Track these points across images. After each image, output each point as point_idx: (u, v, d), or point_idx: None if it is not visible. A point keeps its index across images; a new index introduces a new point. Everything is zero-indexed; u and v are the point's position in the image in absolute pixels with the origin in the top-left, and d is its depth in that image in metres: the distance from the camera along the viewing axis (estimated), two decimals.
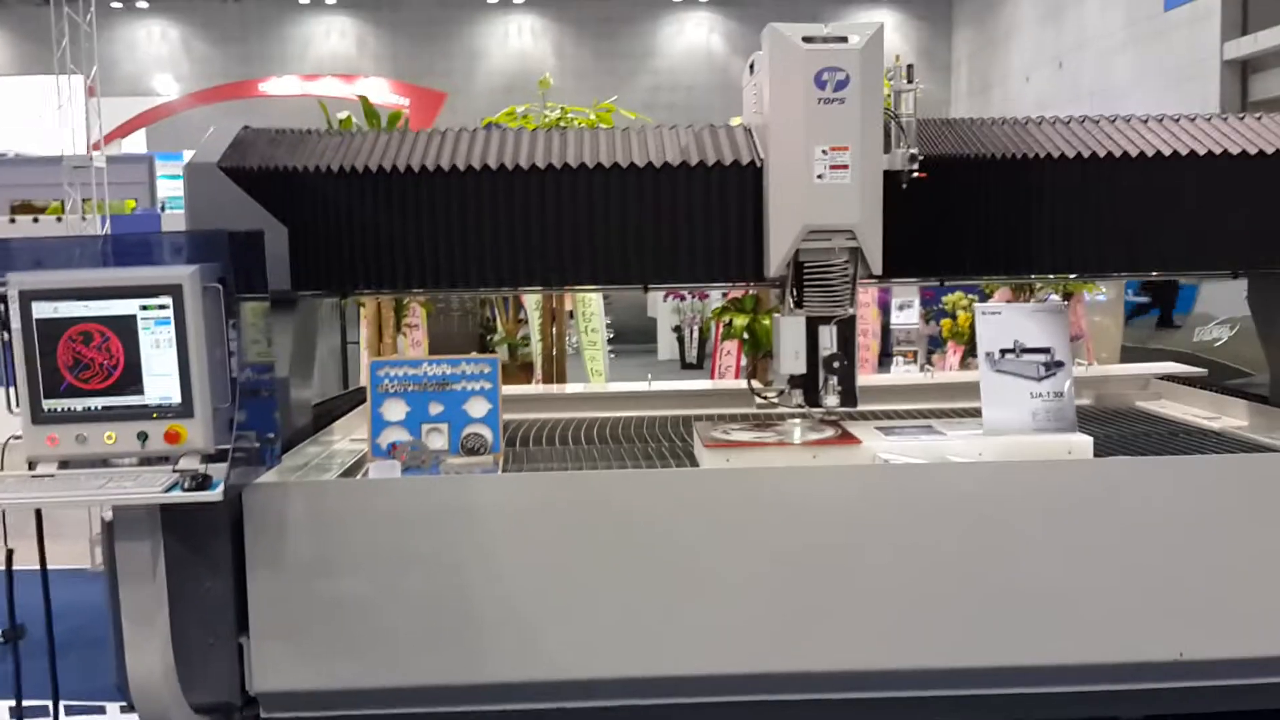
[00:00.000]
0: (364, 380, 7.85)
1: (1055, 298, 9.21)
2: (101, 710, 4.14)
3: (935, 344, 10.77)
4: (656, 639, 3.56)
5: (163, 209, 15.87)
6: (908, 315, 9.88)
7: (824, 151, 3.71)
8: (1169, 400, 5.10)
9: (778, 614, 3.56)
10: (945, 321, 9.94)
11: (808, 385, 3.96)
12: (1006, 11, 29.29)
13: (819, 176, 3.72)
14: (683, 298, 14.19)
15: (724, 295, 13.72)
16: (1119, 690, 3.70)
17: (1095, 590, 3.59)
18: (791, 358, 3.89)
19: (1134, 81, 23.03)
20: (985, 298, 10.46)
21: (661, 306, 15.06)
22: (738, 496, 3.59)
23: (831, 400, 3.92)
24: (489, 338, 10.20)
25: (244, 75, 29.04)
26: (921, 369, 9.78)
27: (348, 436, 4.57)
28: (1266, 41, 18.53)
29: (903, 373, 9.31)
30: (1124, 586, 3.60)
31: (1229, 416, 4.59)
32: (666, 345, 15.17)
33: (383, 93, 23.57)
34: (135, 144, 23.84)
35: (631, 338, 15.18)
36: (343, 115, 6.97)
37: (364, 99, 7.28)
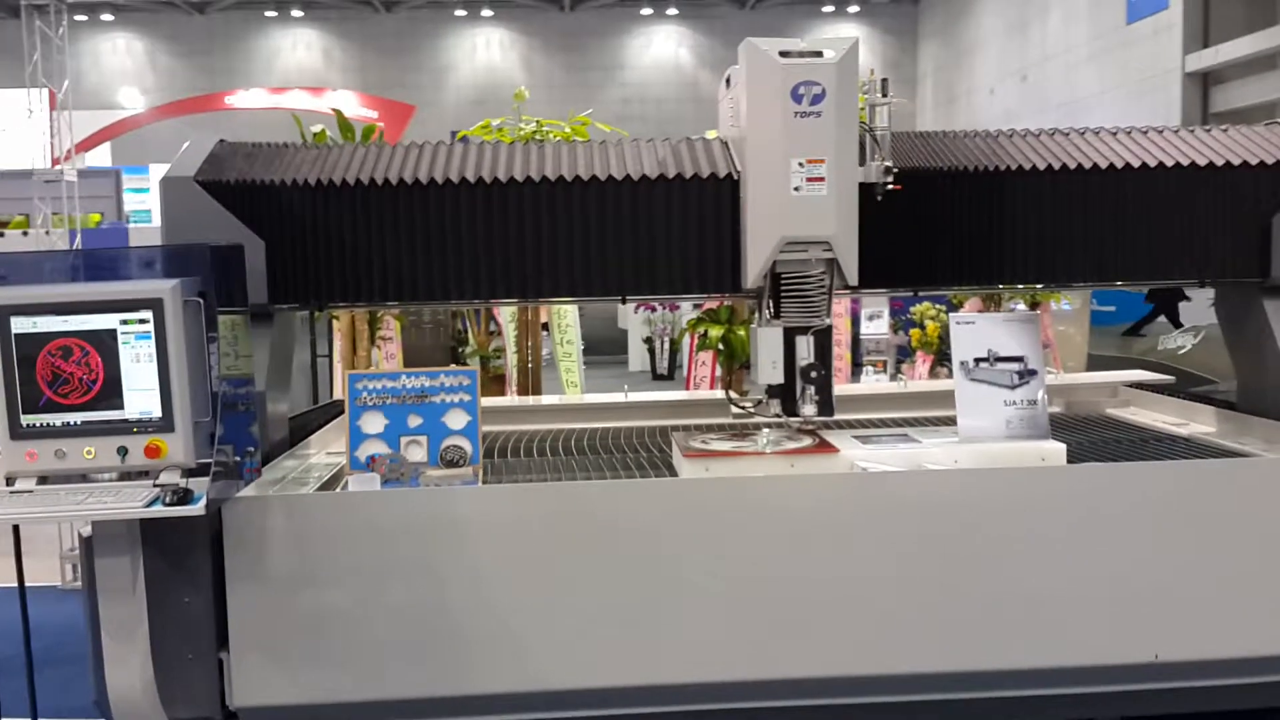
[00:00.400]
0: (339, 393, 7.85)
1: (1022, 307, 9.31)
2: None
3: (904, 354, 10.87)
4: (639, 648, 3.58)
5: (127, 223, 15.75)
6: (877, 325, 9.96)
7: (800, 164, 3.76)
8: (1138, 407, 5.18)
9: (758, 621, 3.59)
10: (914, 332, 10.02)
11: (785, 395, 4.01)
12: (972, 25, 29.61)
13: (796, 189, 3.77)
14: (654, 309, 14.22)
15: (695, 306, 13.82)
16: (1095, 692, 3.75)
17: (1070, 594, 3.64)
18: (769, 368, 3.93)
19: (1098, 93, 23.34)
20: (954, 308, 10.57)
21: (632, 318, 15.09)
22: (718, 505, 3.62)
23: (809, 410, 3.96)
24: (460, 350, 10.18)
25: (209, 88, 28.90)
26: (892, 378, 9.85)
27: (324, 450, 4.56)
28: (1227, 54, 18.85)
29: (873, 382, 9.37)
30: (1099, 590, 3.65)
31: (1197, 423, 4.67)
32: (637, 356, 15.20)
33: (351, 106, 23.49)
34: (100, 157, 23.64)
35: (602, 349, 15.19)
36: (317, 129, 6.96)
37: (338, 112, 7.27)
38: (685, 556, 3.58)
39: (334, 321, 7.63)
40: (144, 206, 19.88)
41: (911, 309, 10.87)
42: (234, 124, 25.68)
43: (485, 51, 33.47)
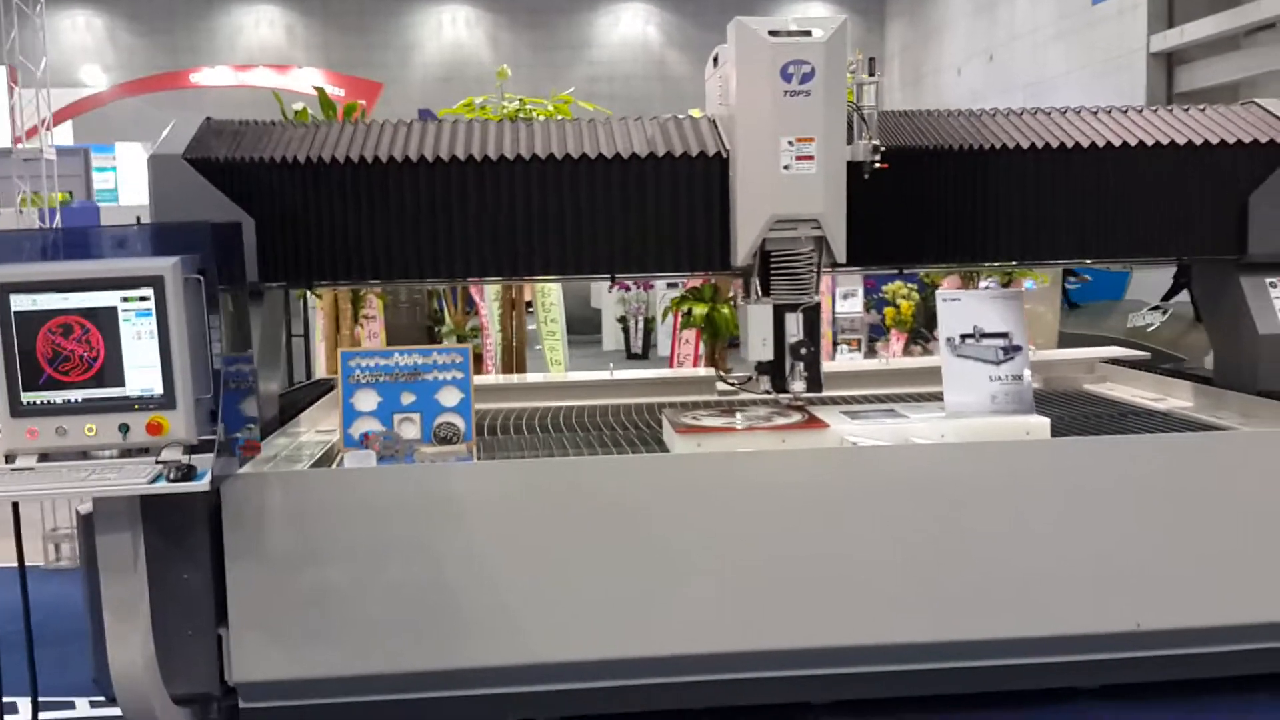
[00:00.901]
0: (320, 373, 7.84)
1: (994, 284, 9.40)
2: (70, 705, 4.10)
3: (877, 332, 10.94)
4: (633, 621, 3.63)
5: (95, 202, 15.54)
6: (852, 304, 10.02)
7: (790, 143, 3.80)
8: (1114, 383, 5.28)
9: (750, 594, 3.65)
10: (889, 310, 10.10)
11: (775, 371, 4.06)
12: (938, 5, 29.69)
13: (785, 167, 3.81)
14: (628, 288, 14.24)
15: (669, 285, 13.85)
16: (1078, 661, 3.85)
17: (1054, 565, 3.73)
18: (759, 345, 3.98)
19: (1064, 73, 23.50)
20: (925, 287, 10.66)
21: (606, 297, 15.09)
22: (711, 480, 3.67)
23: (798, 386, 4.02)
24: (436, 330, 10.17)
25: (171, 66, 28.46)
26: (866, 356, 9.93)
27: (314, 428, 4.57)
28: (1192, 34, 19.02)
29: (847, 360, 9.43)
30: (1082, 561, 3.74)
31: (1174, 397, 4.77)
32: (611, 335, 15.20)
33: (318, 83, 23.25)
34: (62, 136, 23.28)
35: (576, 328, 15.16)
36: (298, 107, 6.92)
37: (320, 90, 7.23)
38: (679, 530, 3.63)
39: (314, 300, 7.60)
40: (109, 185, 19.61)
41: (883, 288, 10.94)
42: (200, 102, 25.35)
43: (451, 29, 33.17)
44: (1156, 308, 10.03)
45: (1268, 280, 4.31)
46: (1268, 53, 18.20)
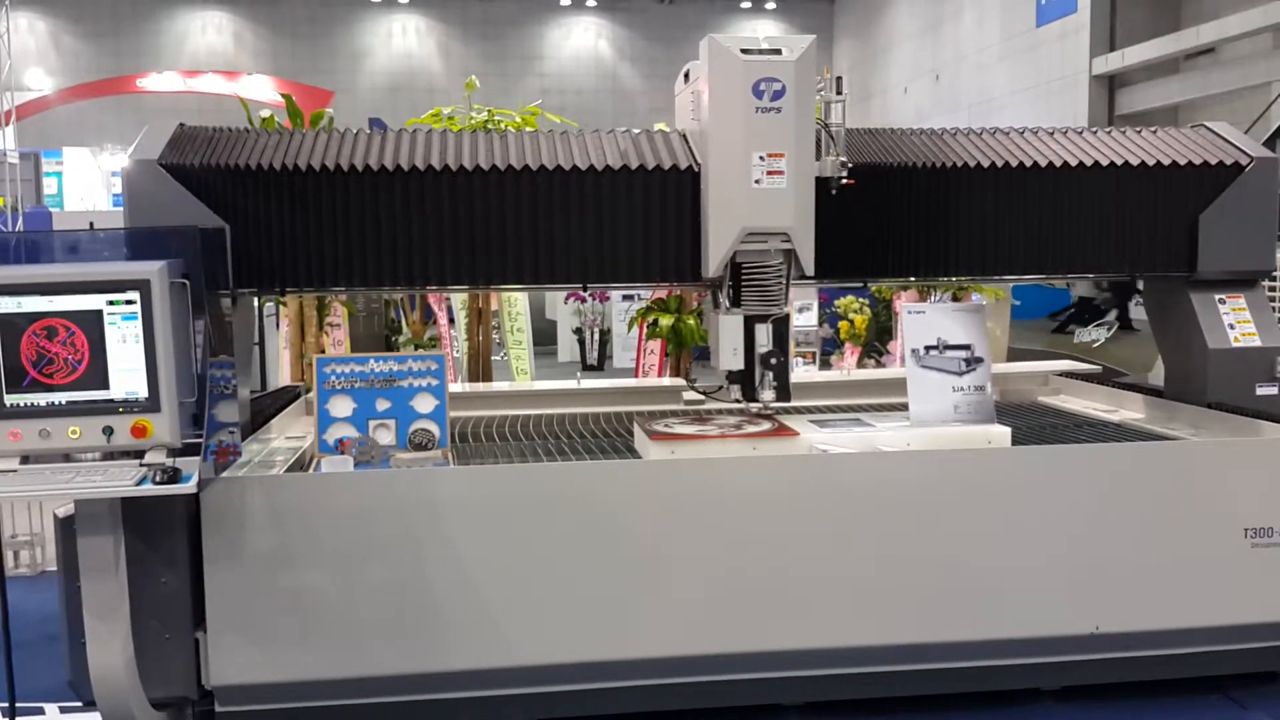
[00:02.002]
0: (283, 380, 7.81)
1: (945, 299, 9.59)
2: (40, 711, 4.08)
3: (830, 346, 11.11)
4: (609, 624, 3.69)
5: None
6: (807, 318, 10.18)
7: (761, 158, 3.90)
8: (1068, 395, 5.44)
9: (724, 597, 3.73)
10: (843, 324, 10.27)
11: (745, 380, 4.15)
12: (886, 25, 30.16)
13: (756, 181, 3.91)
14: (583, 299, 14.30)
15: (624, 297, 13.93)
16: (1039, 663, 3.97)
17: (1015, 569, 3.85)
18: (730, 354, 4.07)
19: (1008, 94, 23.98)
20: (876, 302, 10.85)
21: (562, 308, 15.12)
22: (684, 486, 3.74)
23: (768, 395, 4.12)
24: (394, 339, 10.17)
25: (116, 71, 28.10)
26: (821, 369, 10.07)
27: (283, 435, 4.58)
28: (1133, 58, 19.53)
29: (803, 372, 9.58)
30: (1042, 565, 3.86)
31: (1126, 409, 4.93)
32: (567, 347, 15.24)
33: (267, 90, 23.09)
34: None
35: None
36: (265, 114, 6.90)
37: (288, 98, 7.22)
38: (653, 535, 3.70)
39: (272, 307, 7.58)
40: (51, 191, 19.31)
41: (836, 302, 11.13)
42: (145, 107, 25.09)
43: (401, 38, 33.10)
44: (1101, 324, 10.32)
45: (1217, 297, 4.49)
46: (1206, 77, 18.74)
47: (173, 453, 3.15)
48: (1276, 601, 3.98)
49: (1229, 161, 4.42)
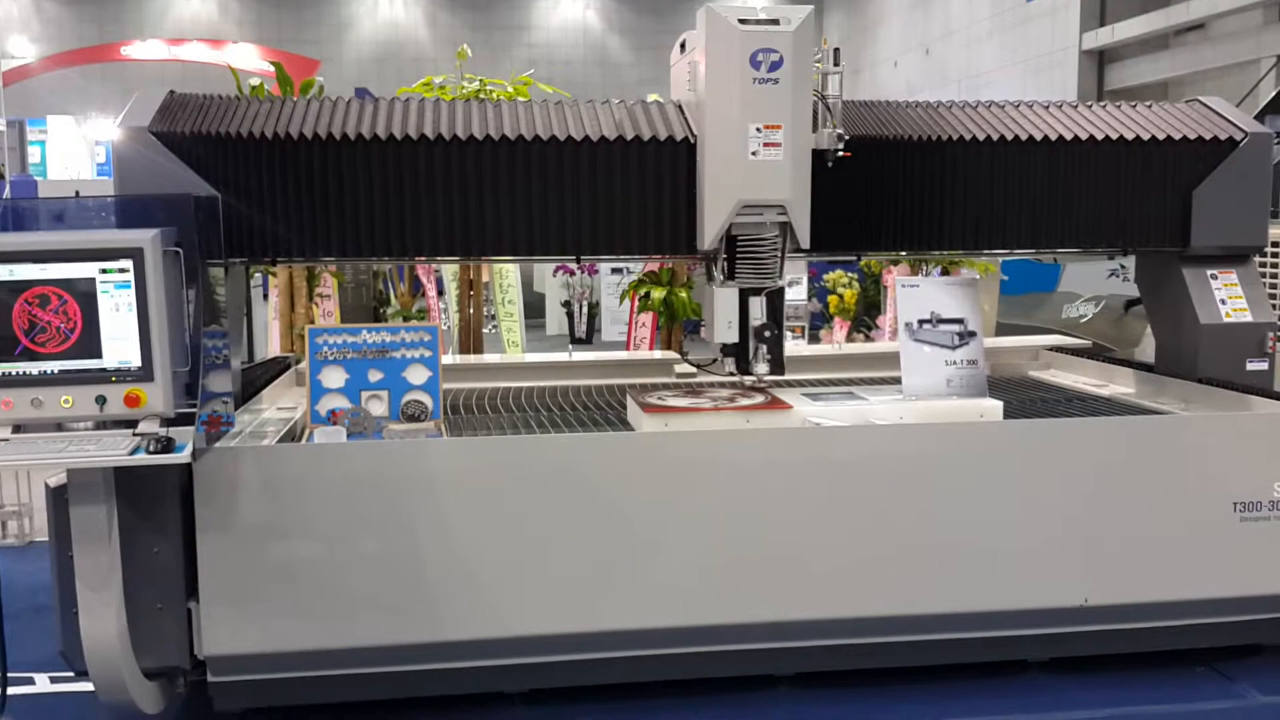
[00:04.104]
0: (271, 351, 7.77)
1: (937, 273, 9.59)
2: (30, 681, 4.07)
3: (819, 320, 11.11)
4: (602, 595, 3.70)
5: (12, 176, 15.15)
6: (796, 292, 10.16)
7: (758, 129, 3.88)
8: (1058, 370, 5.46)
9: (717, 568, 3.74)
10: (833, 298, 10.26)
11: (739, 353, 4.15)
12: None
13: (753, 153, 3.89)
14: (572, 273, 14.26)
15: (613, 270, 13.90)
16: (1028, 635, 4.00)
17: (1006, 542, 3.87)
18: (725, 327, 4.07)
19: (997, 68, 23.96)
20: (865, 277, 10.85)
21: (550, 281, 15.07)
22: (679, 458, 3.75)
23: (762, 368, 4.12)
24: (382, 310, 10.12)
25: (98, 39, 27.82)
26: (809, 343, 10.08)
27: (274, 405, 4.57)
28: (1123, 33, 19.52)
29: (792, 346, 9.58)
30: (1032, 538, 3.88)
31: (1116, 384, 4.95)
32: (555, 320, 15.20)
33: (252, 59, 22.89)
34: None
35: None
36: (255, 82, 6.83)
37: (278, 66, 7.15)
38: (647, 507, 3.71)
39: (258, 278, 7.54)
40: (35, 159, 19.12)
41: (825, 277, 11.11)
42: (131, 76, 24.87)
43: (388, 8, 32.87)
44: (1089, 299, 10.33)
45: (1209, 272, 4.50)
46: (1195, 53, 18.74)
47: (165, 422, 3.13)
48: (1263, 575, 4.02)
49: (1223, 137, 4.42)
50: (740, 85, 3.85)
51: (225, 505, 3.48)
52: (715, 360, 4.23)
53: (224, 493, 3.48)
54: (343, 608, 3.59)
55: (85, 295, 3.05)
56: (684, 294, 8.11)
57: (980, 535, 3.86)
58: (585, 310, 14.56)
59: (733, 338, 4.09)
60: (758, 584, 3.77)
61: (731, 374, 4.20)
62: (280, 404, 4.59)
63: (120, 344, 3.08)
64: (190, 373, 3.20)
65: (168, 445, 3.04)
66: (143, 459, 3.00)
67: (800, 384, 4.80)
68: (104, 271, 3.04)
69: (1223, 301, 4.45)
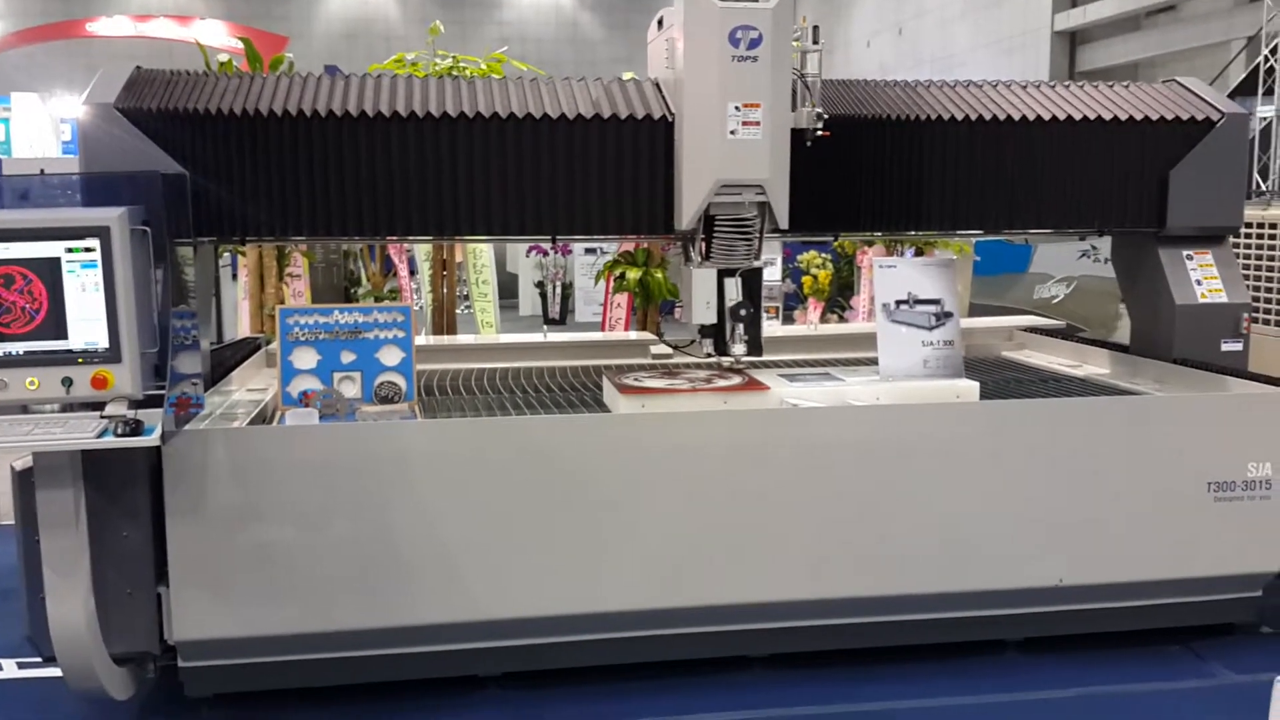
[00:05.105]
0: (241, 332, 7.68)
1: (910, 254, 9.59)
2: None
3: (792, 301, 11.10)
4: (578, 578, 3.67)
5: None
6: (770, 273, 10.14)
7: (737, 108, 3.84)
8: (1032, 350, 5.47)
9: (695, 550, 3.72)
10: (807, 279, 10.25)
11: (716, 334, 4.12)
12: None
13: (732, 132, 3.85)
14: (545, 253, 14.17)
15: (586, 251, 13.83)
16: (1003, 615, 4.01)
17: (982, 522, 3.87)
18: (703, 308, 4.04)
19: (969, 49, 23.98)
20: (839, 257, 10.84)
21: (523, 262, 14.98)
22: (655, 439, 3.72)
23: (739, 349, 4.09)
24: (353, 290, 10.02)
25: (64, 14, 27.35)
26: (783, 324, 10.07)
27: (244, 387, 4.51)
28: (1095, 14, 19.57)
29: (767, 327, 9.56)
30: (1008, 518, 3.89)
31: (1091, 364, 4.96)
32: (528, 301, 15.12)
33: (220, 36, 22.55)
34: None
35: None
36: (223, 58, 6.72)
37: (247, 42, 7.04)
38: (623, 489, 3.68)
39: (235, 258, 7.44)
40: (0, 137, 18.76)
41: (799, 257, 11.10)
42: (96, 52, 24.46)
43: None
44: (1061, 280, 10.37)
45: (1185, 253, 4.50)
46: (1166, 34, 18.82)
47: (133, 404, 3.07)
48: (1237, 555, 4.04)
49: (1200, 117, 4.42)
50: (719, 63, 3.81)
51: (195, 488, 3.43)
52: (692, 341, 4.19)
53: (194, 476, 3.42)
54: (315, 592, 3.55)
55: (51, 275, 2.98)
56: (659, 275, 8.07)
57: (956, 515, 3.86)
58: (559, 291, 14.49)
59: (711, 318, 4.06)
60: (735, 565, 3.75)
61: (709, 355, 4.17)
62: (251, 385, 4.53)
63: (87, 325, 3.01)
64: (159, 354, 3.14)
65: (136, 428, 2.98)
66: (110, 442, 2.94)
67: (776, 365, 4.78)
68: (70, 251, 2.97)
69: (1198, 282, 4.46)
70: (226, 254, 8.41)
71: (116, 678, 3.45)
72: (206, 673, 3.60)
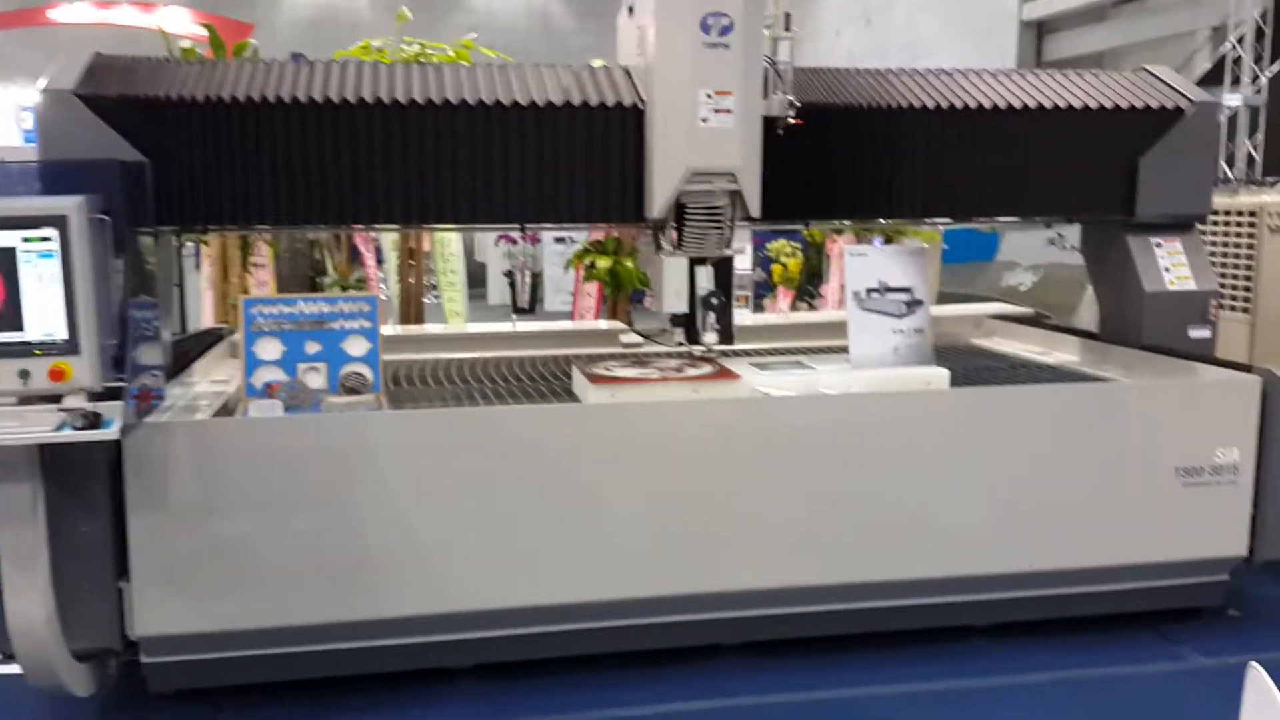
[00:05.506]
0: (204, 322, 7.58)
1: (879, 242, 9.60)
2: None
3: (763, 289, 11.10)
4: (547, 569, 3.64)
5: None
6: (740, 261, 10.11)
7: (708, 95, 3.81)
8: (1001, 338, 5.47)
9: (666, 540, 3.70)
10: (776, 267, 10.25)
11: (688, 323, 4.09)
12: None
13: (703, 120, 3.82)
14: (514, 242, 14.10)
15: (556, 240, 13.77)
16: (971, 601, 4.01)
17: (952, 509, 3.87)
18: (674, 297, 4.01)
19: (937, 39, 24.01)
20: (808, 245, 10.84)
21: (492, 251, 14.90)
22: (626, 430, 3.69)
23: (710, 338, 4.07)
24: (319, 280, 9.90)
25: (25, 1, 26.92)
26: (753, 312, 10.06)
27: (207, 378, 4.44)
28: (1061, 4, 19.64)
29: (736, 315, 9.55)
30: (978, 505, 3.89)
31: (1060, 352, 4.97)
32: (497, 290, 15.03)
33: (184, 23, 22.27)
34: None
35: None
36: (186, 45, 6.62)
37: (210, 28, 6.94)
38: (593, 479, 3.65)
39: (199, 247, 7.33)
40: None
41: (768, 246, 11.09)
42: (58, 41, 24.07)
43: None
44: (1029, 268, 10.42)
45: (1153, 240, 4.51)
46: (1132, 24, 18.93)
47: (92, 396, 3.01)
48: (1205, 539, 4.06)
49: (1170, 105, 4.43)
50: (690, 50, 3.78)
51: (156, 482, 3.36)
52: (663, 330, 4.16)
53: (155, 469, 3.36)
54: (280, 585, 3.49)
55: (6, 265, 2.90)
56: (630, 263, 8.03)
57: (926, 503, 3.85)
58: (528, 280, 14.42)
59: (682, 307, 4.04)
60: (705, 555, 3.73)
61: (680, 344, 4.14)
62: (214, 377, 4.46)
63: (44, 316, 2.94)
64: (118, 345, 3.07)
65: (95, 421, 2.91)
66: (69, 435, 2.88)
67: (747, 353, 4.76)
68: (26, 240, 2.90)
69: (1167, 269, 4.47)
70: (190, 243, 8.31)
71: (78, 674, 3.39)
72: (170, 668, 3.55)
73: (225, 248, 7.15)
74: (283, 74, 3.97)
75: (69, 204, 2.91)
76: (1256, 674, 1.79)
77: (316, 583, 3.51)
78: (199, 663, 3.56)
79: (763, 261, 11.06)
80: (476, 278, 14.63)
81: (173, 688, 3.60)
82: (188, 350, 4.49)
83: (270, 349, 3.93)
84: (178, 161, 3.74)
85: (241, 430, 3.51)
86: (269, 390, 3.86)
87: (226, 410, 3.92)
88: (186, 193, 3.77)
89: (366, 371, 3.96)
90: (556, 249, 13.52)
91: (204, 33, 7.39)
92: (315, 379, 3.93)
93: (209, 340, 4.79)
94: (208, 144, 3.77)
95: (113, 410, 2.97)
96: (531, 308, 14.54)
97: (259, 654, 3.60)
